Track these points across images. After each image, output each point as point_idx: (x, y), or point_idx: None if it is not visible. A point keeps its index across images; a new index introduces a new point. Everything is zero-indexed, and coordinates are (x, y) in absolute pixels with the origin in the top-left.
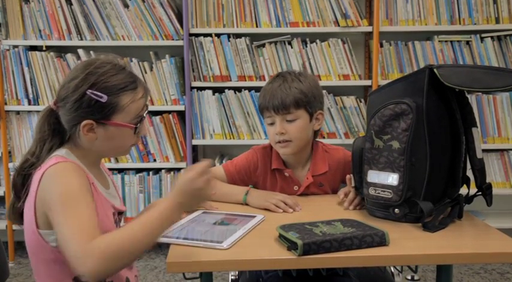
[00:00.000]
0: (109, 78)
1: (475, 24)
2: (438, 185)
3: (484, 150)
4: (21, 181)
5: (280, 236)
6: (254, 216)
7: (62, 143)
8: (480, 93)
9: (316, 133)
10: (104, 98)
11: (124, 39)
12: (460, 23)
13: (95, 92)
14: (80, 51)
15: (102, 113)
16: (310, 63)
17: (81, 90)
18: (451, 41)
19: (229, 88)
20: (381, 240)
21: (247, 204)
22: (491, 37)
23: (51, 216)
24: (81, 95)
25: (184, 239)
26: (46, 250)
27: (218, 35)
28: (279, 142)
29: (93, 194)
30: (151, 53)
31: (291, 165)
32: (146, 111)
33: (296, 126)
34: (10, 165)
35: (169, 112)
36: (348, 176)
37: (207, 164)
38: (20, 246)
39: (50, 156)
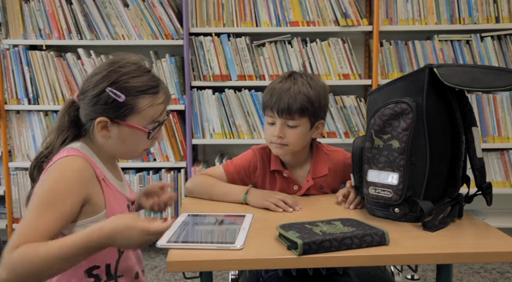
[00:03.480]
0: (130, 78)
1: (475, 23)
2: (438, 185)
3: (484, 150)
4: (37, 173)
5: (280, 235)
6: (244, 215)
7: (78, 136)
8: (480, 93)
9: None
10: (122, 98)
11: (124, 39)
12: (460, 23)
13: (114, 91)
14: (80, 51)
15: (118, 112)
16: (310, 63)
17: (101, 87)
18: (451, 41)
19: (229, 87)
20: (380, 240)
21: (247, 204)
22: (491, 36)
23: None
24: (100, 91)
25: (184, 242)
26: None
27: (218, 35)
28: (273, 143)
29: (104, 192)
30: (151, 52)
31: (290, 166)
32: (166, 118)
33: (295, 133)
34: (10, 164)
35: (169, 111)
36: (348, 181)
37: (166, 226)
38: None
39: (64, 148)
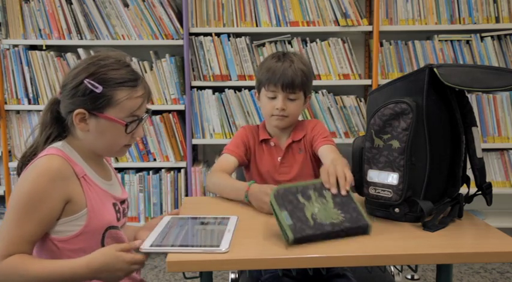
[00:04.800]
0: (109, 71)
1: (475, 23)
2: (438, 185)
3: (484, 150)
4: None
5: (273, 208)
6: (229, 218)
7: (62, 134)
8: (480, 93)
9: None
10: (99, 89)
11: (124, 39)
12: (460, 23)
13: (91, 82)
14: (80, 51)
15: (95, 104)
16: (310, 63)
17: (79, 78)
18: (451, 41)
19: (229, 87)
20: (363, 232)
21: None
22: (491, 36)
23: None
24: (78, 83)
25: (168, 246)
26: (47, 241)
27: (218, 35)
28: (275, 115)
29: (85, 191)
30: (151, 52)
31: (276, 137)
32: (146, 115)
33: (295, 105)
34: (10, 164)
35: (169, 111)
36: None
37: (144, 258)
38: None
39: (46, 147)
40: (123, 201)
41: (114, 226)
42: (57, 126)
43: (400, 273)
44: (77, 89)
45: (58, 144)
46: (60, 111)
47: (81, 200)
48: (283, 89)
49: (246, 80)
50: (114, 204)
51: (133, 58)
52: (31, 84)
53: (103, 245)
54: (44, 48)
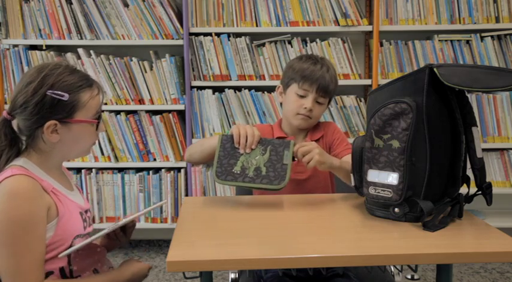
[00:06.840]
0: (66, 77)
1: (475, 23)
2: (438, 184)
3: (484, 150)
4: None
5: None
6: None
7: (19, 153)
8: (480, 93)
9: None
10: (66, 97)
11: (124, 39)
12: (460, 22)
13: (56, 92)
14: (80, 51)
15: (65, 111)
16: None
17: (41, 92)
18: (451, 41)
19: (229, 87)
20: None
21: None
22: (491, 36)
23: None
24: (41, 97)
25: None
26: None
27: (218, 34)
28: (301, 114)
29: (56, 203)
30: (151, 52)
31: (292, 136)
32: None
33: (320, 109)
34: None
35: (169, 111)
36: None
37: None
38: None
39: (7, 166)
40: (86, 211)
41: (80, 235)
42: (14, 148)
43: (400, 273)
44: (42, 103)
45: (19, 161)
46: (11, 132)
47: (54, 212)
48: (317, 90)
49: (246, 80)
50: (81, 214)
51: (133, 58)
52: None
53: (68, 254)
54: (44, 48)
